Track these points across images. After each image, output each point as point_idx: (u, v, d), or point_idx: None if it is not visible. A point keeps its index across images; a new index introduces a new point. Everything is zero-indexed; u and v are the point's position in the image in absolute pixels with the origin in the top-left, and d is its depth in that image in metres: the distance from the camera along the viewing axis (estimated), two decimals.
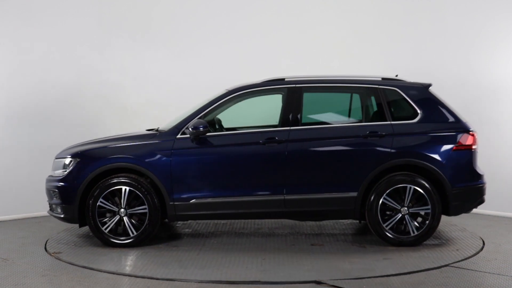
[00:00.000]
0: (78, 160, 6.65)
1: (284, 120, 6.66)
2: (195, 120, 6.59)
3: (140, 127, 8.59)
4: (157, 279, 5.36)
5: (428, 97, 6.71)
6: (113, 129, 9.09)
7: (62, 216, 6.69)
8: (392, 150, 6.48)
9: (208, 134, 6.56)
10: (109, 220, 6.55)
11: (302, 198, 6.51)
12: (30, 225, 7.92)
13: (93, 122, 9.10)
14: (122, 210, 6.53)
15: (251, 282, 5.26)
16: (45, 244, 6.75)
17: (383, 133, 6.51)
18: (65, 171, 6.66)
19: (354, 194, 6.47)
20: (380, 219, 6.45)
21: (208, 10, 9.92)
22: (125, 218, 6.53)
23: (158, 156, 6.55)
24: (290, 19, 9.89)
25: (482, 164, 6.83)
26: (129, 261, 6.06)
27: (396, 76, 7.02)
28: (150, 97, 9.59)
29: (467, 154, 6.54)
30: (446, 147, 6.49)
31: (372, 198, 6.46)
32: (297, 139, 6.55)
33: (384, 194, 6.45)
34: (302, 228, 7.50)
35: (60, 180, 6.64)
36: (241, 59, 9.77)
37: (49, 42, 8.72)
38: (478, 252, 6.28)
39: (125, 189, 6.51)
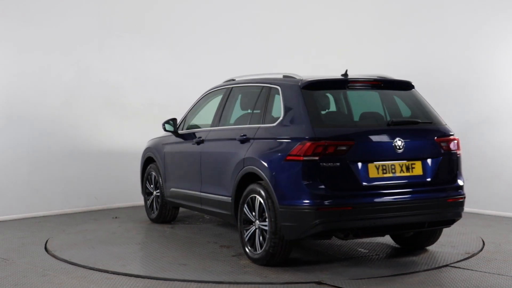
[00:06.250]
0: (145, 149, 8.14)
1: (212, 120, 6.86)
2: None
3: (140, 127, 8.62)
4: (157, 279, 5.36)
5: (296, 97, 5.67)
6: (113, 129, 9.10)
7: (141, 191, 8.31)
8: (246, 156, 5.92)
9: (180, 132, 7.36)
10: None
11: (208, 197, 6.66)
12: (30, 225, 7.92)
13: (93, 122, 9.10)
14: (154, 192, 7.87)
15: (251, 282, 5.26)
16: (45, 244, 6.75)
17: (248, 137, 6.00)
18: None
19: (229, 199, 6.18)
20: (242, 229, 5.92)
21: (208, 10, 9.92)
22: (154, 198, 7.89)
23: (160, 148, 7.71)
24: (290, 19, 9.90)
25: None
26: (130, 261, 6.06)
27: (346, 71, 5.98)
28: (150, 97, 9.59)
29: (297, 167, 5.35)
30: (280, 156, 5.51)
31: (239, 206, 5.98)
32: (209, 139, 6.74)
33: (245, 204, 5.87)
34: None
35: None
36: (241, 58, 9.77)
37: (49, 42, 8.72)
38: (478, 252, 6.27)
39: (154, 175, 7.82)
